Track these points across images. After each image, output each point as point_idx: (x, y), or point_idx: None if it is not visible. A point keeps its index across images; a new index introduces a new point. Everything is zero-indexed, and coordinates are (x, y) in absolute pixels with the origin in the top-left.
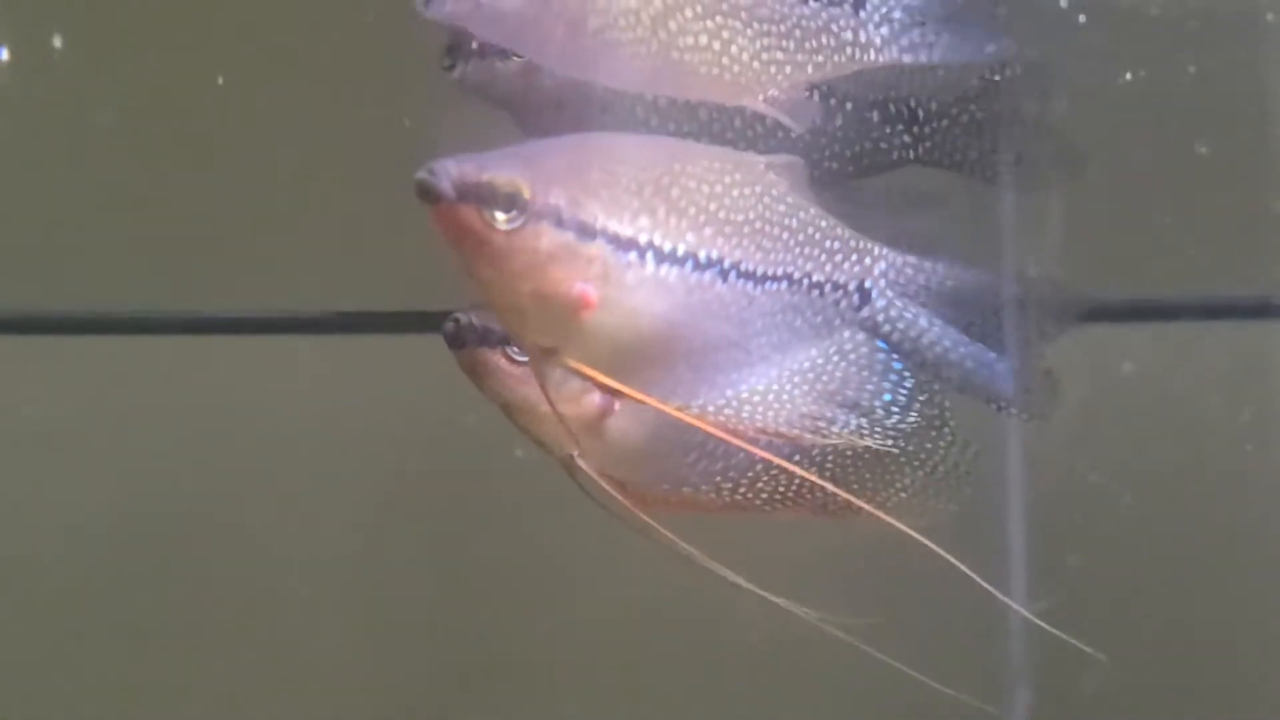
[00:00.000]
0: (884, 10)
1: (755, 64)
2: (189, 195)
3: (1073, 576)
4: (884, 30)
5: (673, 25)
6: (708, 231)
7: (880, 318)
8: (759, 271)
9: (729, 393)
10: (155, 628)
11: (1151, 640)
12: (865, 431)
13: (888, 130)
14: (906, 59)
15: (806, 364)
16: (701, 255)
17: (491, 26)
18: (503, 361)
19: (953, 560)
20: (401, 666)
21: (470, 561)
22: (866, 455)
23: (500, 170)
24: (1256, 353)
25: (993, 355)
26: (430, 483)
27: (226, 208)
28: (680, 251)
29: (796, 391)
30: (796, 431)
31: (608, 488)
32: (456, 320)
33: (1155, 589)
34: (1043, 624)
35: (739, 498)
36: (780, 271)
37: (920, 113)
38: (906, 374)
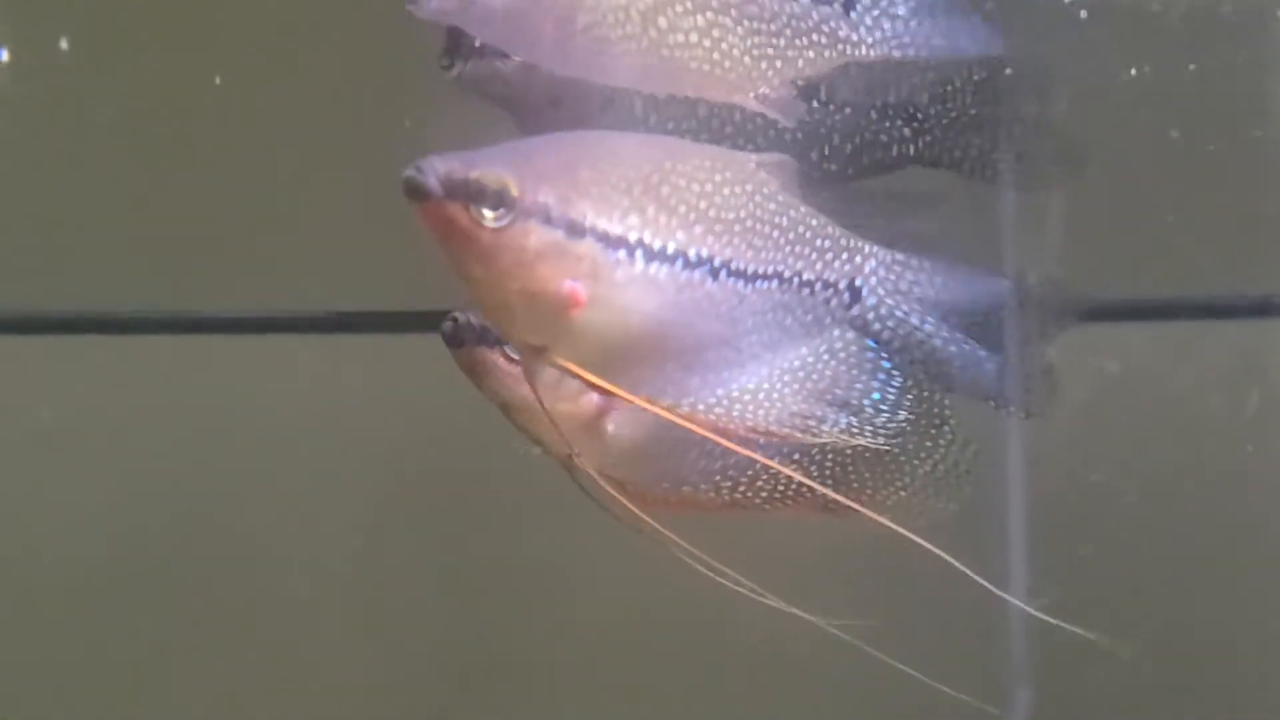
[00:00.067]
0: (875, 7)
1: (746, 60)
2: (187, 195)
3: (1073, 576)
4: (875, 27)
5: (662, 22)
6: (698, 229)
7: (870, 316)
8: (749, 270)
9: (719, 391)
10: (155, 627)
11: (1152, 639)
12: (855, 430)
13: (888, 129)
14: (897, 55)
15: (797, 362)
16: (691, 253)
17: (480, 24)
18: (501, 360)
19: (950, 559)
20: (402, 666)
21: (470, 561)
22: (867, 454)
23: (488, 168)
24: (1257, 352)
25: (984, 353)
26: (429, 482)
27: (225, 207)
28: (670, 249)
29: (787, 390)
30: (787, 430)
31: (607, 487)
32: (455, 319)
33: (1156, 588)
34: (1046, 617)
35: (738, 497)
36: (771, 270)
37: (920, 112)
38: (895, 373)
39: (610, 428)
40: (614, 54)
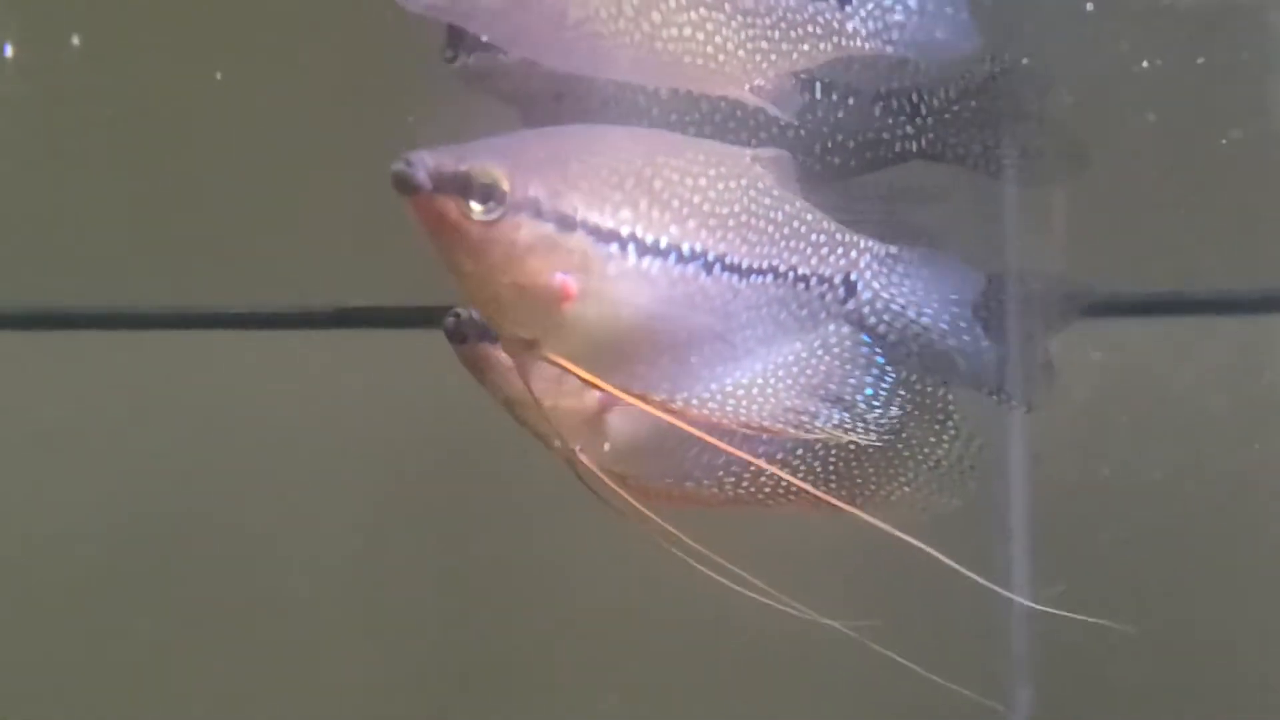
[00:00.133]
0: (870, 1)
1: (740, 53)
2: (187, 191)
3: (1074, 573)
4: (870, 20)
5: (655, 16)
6: (691, 224)
7: (866, 310)
8: (744, 264)
9: (713, 387)
10: (155, 627)
11: (1154, 638)
12: (847, 426)
13: (891, 124)
14: (891, 49)
15: (791, 357)
16: (685, 248)
17: (469, 18)
18: (504, 356)
19: (946, 560)
20: (402, 666)
21: (470, 560)
22: (871, 449)
23: (478, 161)
24: (1263, 347)
25: (985, 345)
26: (431, 480)
27: (225, 203)
28: (663, 244)
29: (780, 385)
30: (780, 426)
31: (610, 483)
32: (457, 315)
33: (1158, 586)
34: (1045, 608)
35: (741, 492)
36: (765, 264)
37: (923, 107)
38: (889, 369)
39: (613, 423)
40: (606, 48)
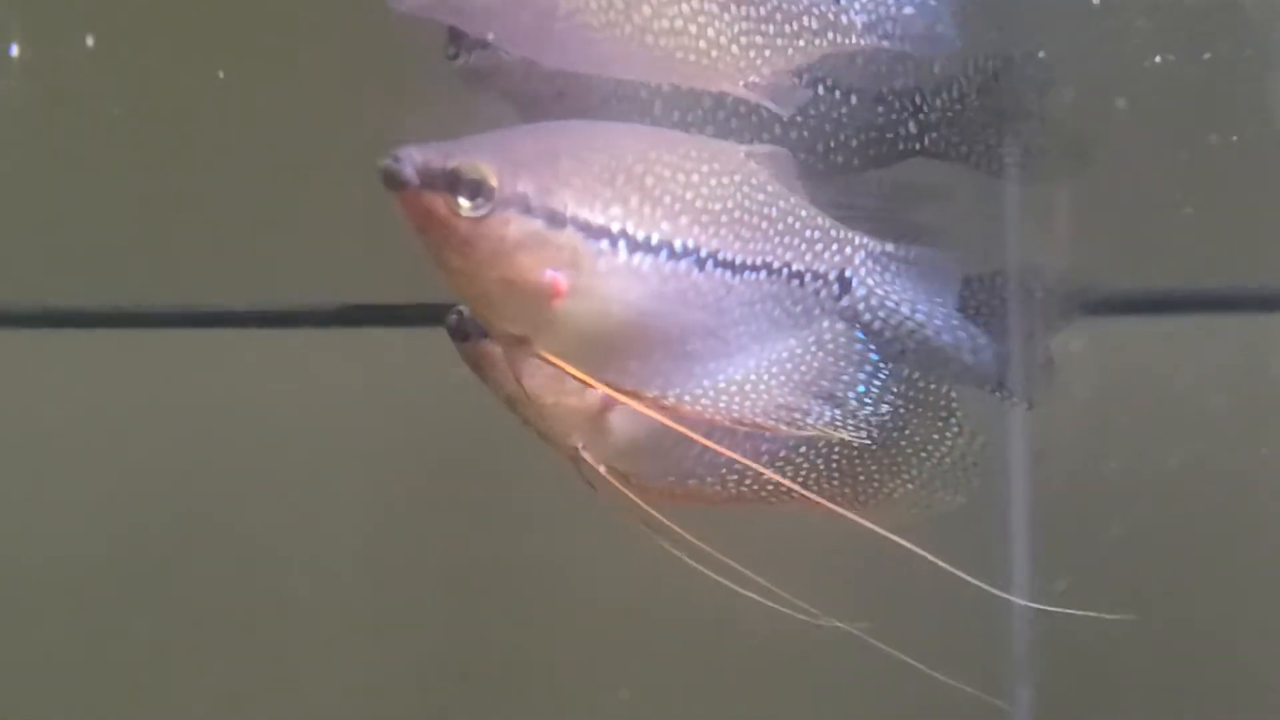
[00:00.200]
0: None
1: (733, 48)
2: (187, 189)
3: (1076, 572)
4: (865, 15)
5: (646, 9)
6: (683, 220)
7: (861, 307)
8: (737, 260)
9: (705, 383)
10: (155, 626)
11: (1156, 637)
12: (839, 423)
13: (894, 122)
14: (888, 44)
15: (785, 354)
16: (677, 244)
17: (459, 14)
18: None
19: (939, 561)
20: (402, 666)
21: (471, 559)
22: (874, 446)
23: (466, 157)
24: (1266, 346)
25: (983, 342)
26: (433, 478)
27: (226, 201)
28: (654, 240)
29: (774, 382)
30: (772, 423)
31: (612, 481)
32: (460, 313)
33: (1161, 584)
34: (1045, 607)
35: (744, 490)
36: (759, 260)
37: (926, 105)
38: (882, 365)
39: (615, 421)
40: (596, 42)
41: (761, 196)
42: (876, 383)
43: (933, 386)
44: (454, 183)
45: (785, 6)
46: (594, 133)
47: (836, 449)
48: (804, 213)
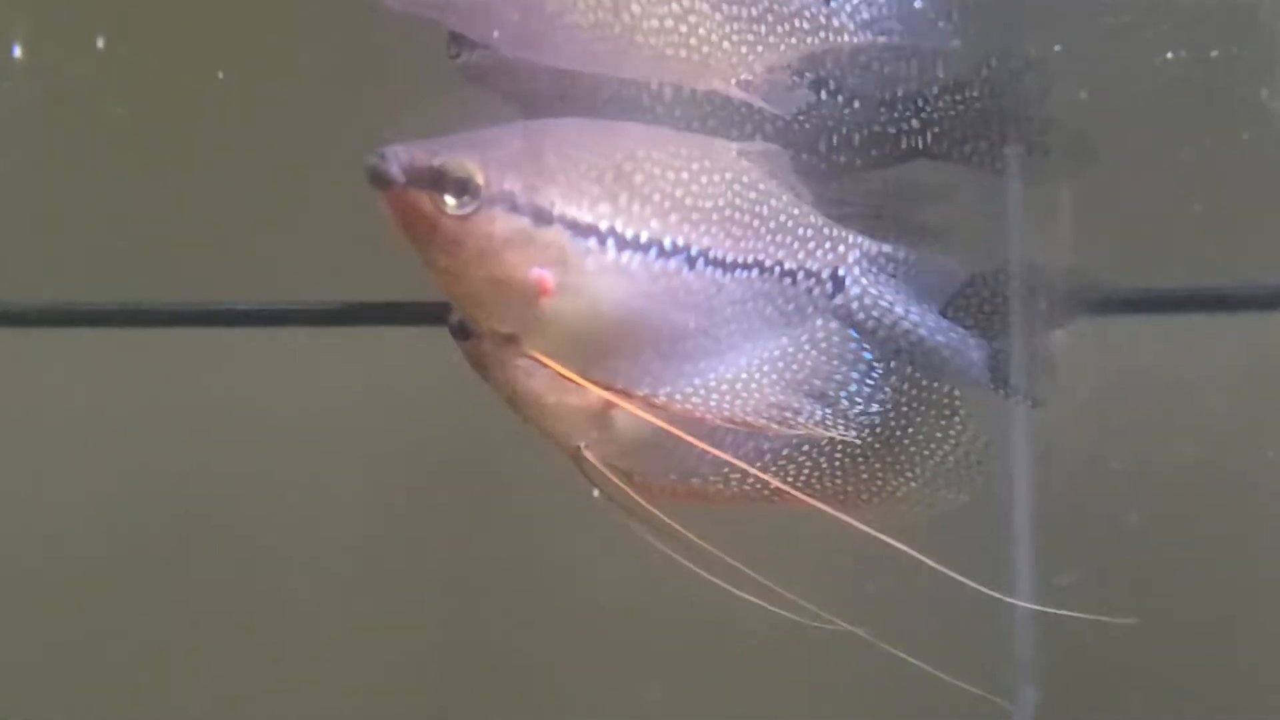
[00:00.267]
0: None
1: (725, 46)
2: (187, 188)
3: (1081, 569)
4: (858, 12)
5: (635, 8)
6: (673, 218)
7: (854, 305)
8: (728, 259)
9: (696, 381)
10: (155, 626)
11: (1159, 636)
12: (830, 422)
13: (897, 122)
14: (883, 39)
15: (777, 352)
16: (666, 242)
17: (447, 13)
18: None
19: (936, 564)
20: (402, 666)
21: (471, 559)
22: (877, 444)
23: (453, 155)
24: (1271, 345)
25: (973, 343)
26: (434, 477)
27: (226, 200)
28: (643, 238)
29: (765, 381)
30: (763, 422)
31: (615, 479)
32: None
33: (1164, 583)
34: (1045, 609)
35: (747, 488)
36: (750, 259)
37: (928, 105)
38: (876, 364)
39: (618, 419)
40: (585, 41)
41: (753, 194)
42: (869, 382)
43: (935, 385)
44: (440, 181)
45: (776, 6)
46: (582, 130)
47: (839, 447)
48: (796, 211)
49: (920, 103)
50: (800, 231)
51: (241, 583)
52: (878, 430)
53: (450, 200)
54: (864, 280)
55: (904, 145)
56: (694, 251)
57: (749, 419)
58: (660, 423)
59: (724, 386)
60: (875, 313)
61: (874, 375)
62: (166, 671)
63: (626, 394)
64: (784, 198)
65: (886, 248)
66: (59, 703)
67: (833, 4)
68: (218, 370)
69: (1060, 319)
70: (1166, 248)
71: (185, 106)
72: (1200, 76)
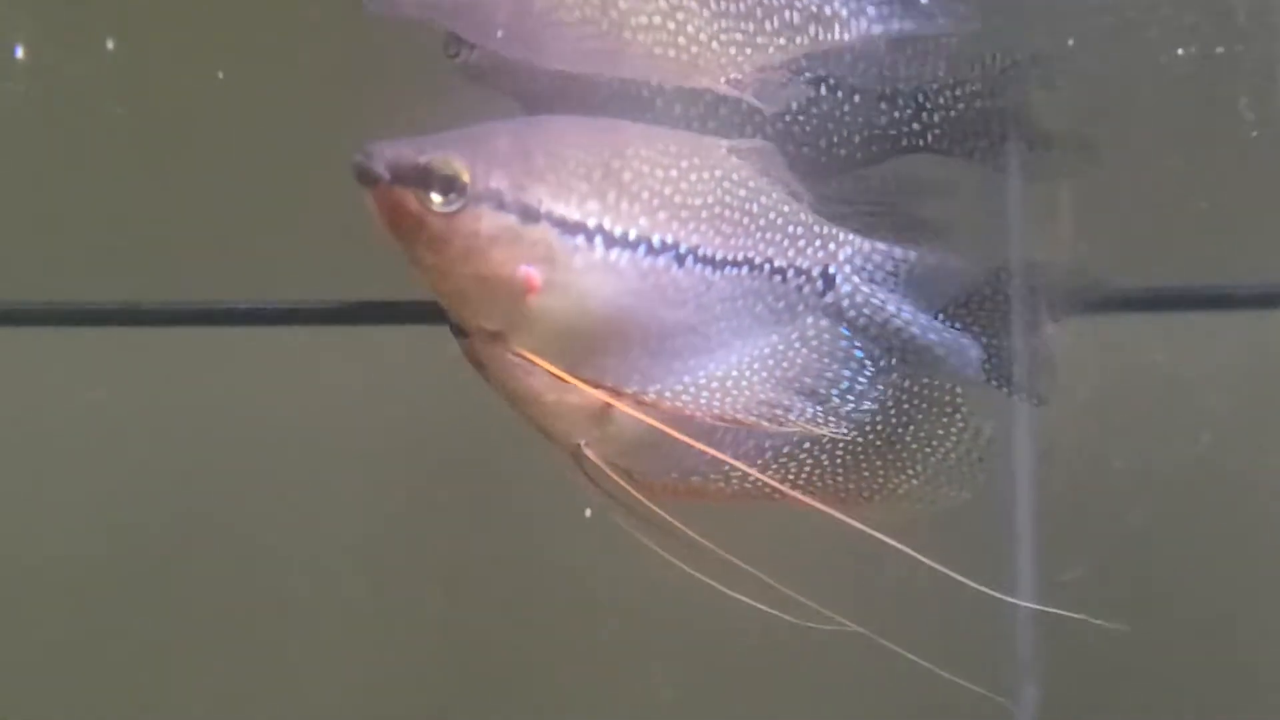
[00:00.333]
0: None
1: (714, 44)
2: (188, 188)
3: (1084, 566)
4: (849, 9)
5: (623, 5)
6: (662, 215)
7: (845, 303)
8: (717, 256)
9: (686, 379)
10: (155, 626)
11: (1161, 635)
12: (820, 420)
13: (898, 119)
14: (877, 30)
15: (767, 350)
16: (655, 239)
17: (433, 12)
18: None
19: (932, 563)
20: (402, 666)
21: (471, 559)
22: (878, 441)
23: (439, 152)
24: (1272, 344)
25: (966, 341)
26: (435, 476)
27: (227, 200)
28: (632, 235)
29: (755, 378)
30: (753, 419)
31: (615, 477)
32: None
33: (1166, 583)
34: (1044, 608)
35: (748, 486)
36: (740, 256)
37: (930, 101)
38: (867, 362)
39: (618, 418)
40: (573, 39)
41: (743, 192)
42: (861, 379)
43: (937, 382)
44: (426, 178)
45: (766, 3)
46: (571, 128)
47: (841, 444)
48: (786, 208)
49: (922, 98)
50: (790, 229)
51: (242, 582)
52: (880, 427)
53: (436, 198)
54: (855, 278)
55: (905, 141)
56: (683, 249)
57: (739, 416)
58: (651, 420)
59: (714, 384)
60: (867, 310)
61: (866, 373)
62: (166, 671)
63: (616, 392)
64: (774, 195)
65: (880, 245)
66: (59, 703)
67: None
68: (218, 370)
69: (1058, 315)
70: (1166, 247)
71: (185, 106)
72: (1201, 76)
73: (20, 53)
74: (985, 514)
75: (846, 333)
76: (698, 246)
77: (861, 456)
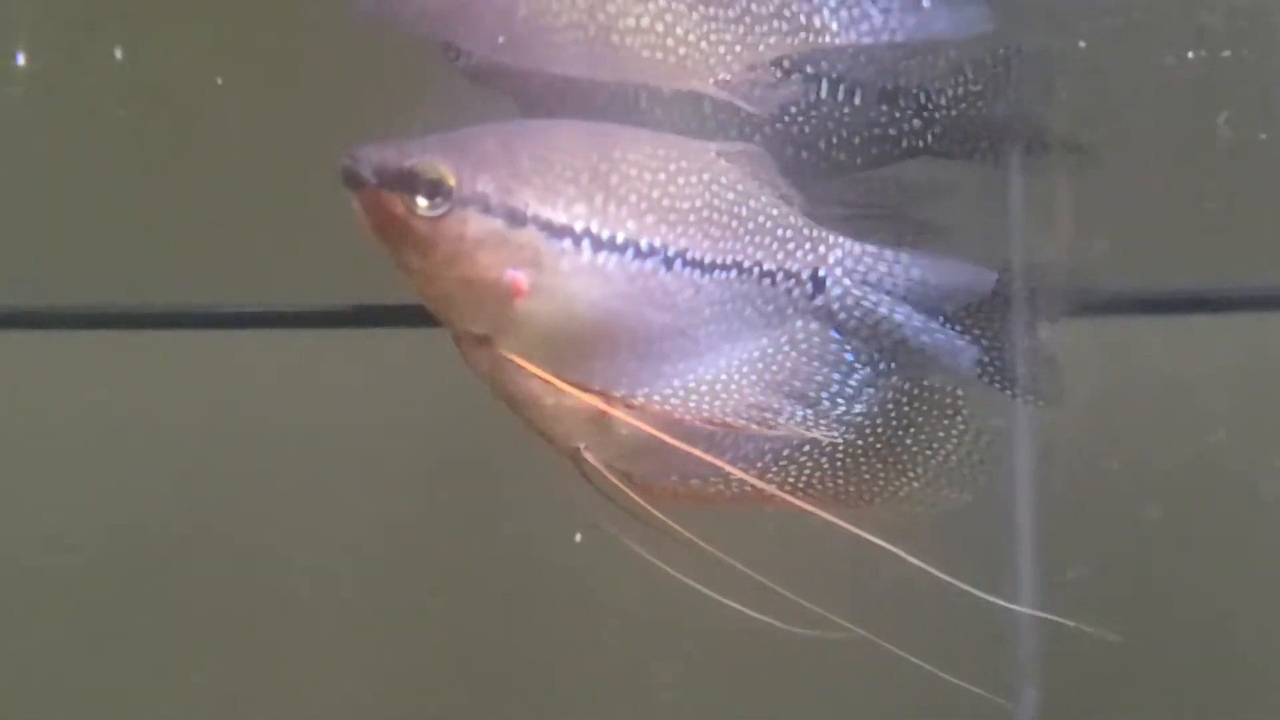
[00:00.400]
0: None
1: (702, 46)
2: (189, 189)
3: (1086, 566)
4: (840, 11)
5: (610, 8)
6: (650, 219)
7: (836, 306)
8: (706, 259)
9: (675, 383)
10: (155, 627)
11: (1161, 637)
12: (810, 423)
13: (898, 120)
14: (867, 40)
15: (756, 353)
16: (643, 243)
17: (417, 20)
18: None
19: (928, 567)
20: (402, 666)
21: (472, 560)
22: (878, 444)
23: (425, 156)
24: (1273, 345)
25: (961, 343)
26: (432, 478)
27: (228, 202)
28: (620, 239)
29: (745, 381)
30: (743, 423)
31: (615, 480)
32: None
33: (1167, 584)
34: (1043, 614)
35: (748, 489)
36: (729, 260)
37: (930, 102)
38: (858, 365)
39: (618, 421)
40: (559, 42)
41: (731, 195)
42: (851, 383)
43: (937, 384)
44: (411, 182)
45: (756, 6)
46: (558, 131)
47: (841, 447)
48: (775, 211)
49: (923, 100)
50: (780, 232)
51: (242, 583)
52: (880, 430)
53: (422, 201)
54: (846, 281)
55: (906, 143)
56: (671, 252)
57: (728, 419)
58: (640, 424)
59: (703, 388)
60: (858, 313)
61: (856, 376)
62: (167, 672)
63: (605, 396)
64: (763, 198)
65: (872, 248)
66: (59, 703)
67: (813, 1)
68: (220, 372)
69: (1056, 316)
70: (1166, 248)
71: (186, 108)
72: (1204, 77)
73: (21, 60)
74: (985, 514)
75: (837, 336)
76: (686, 250)
77: (862, 459)
